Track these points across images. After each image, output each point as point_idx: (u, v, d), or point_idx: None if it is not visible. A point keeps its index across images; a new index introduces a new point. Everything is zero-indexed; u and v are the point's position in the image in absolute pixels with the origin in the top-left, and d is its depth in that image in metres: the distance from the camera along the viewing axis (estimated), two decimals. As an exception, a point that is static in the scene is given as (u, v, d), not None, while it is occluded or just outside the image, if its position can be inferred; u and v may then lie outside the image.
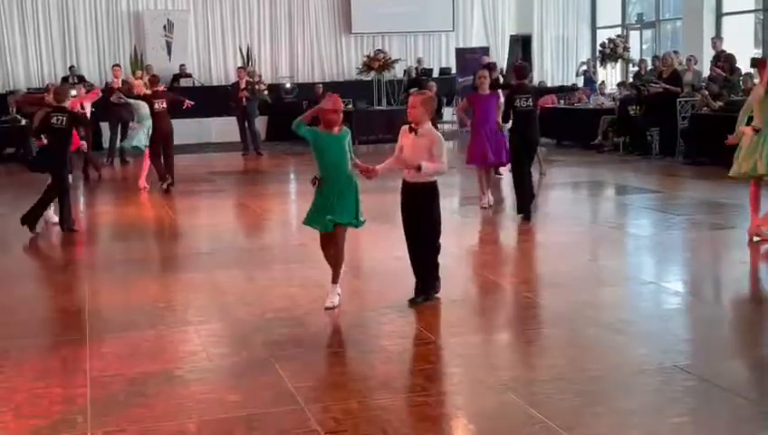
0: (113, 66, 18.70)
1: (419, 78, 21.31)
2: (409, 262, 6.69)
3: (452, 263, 8.26)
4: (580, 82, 21.28)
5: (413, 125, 6.38)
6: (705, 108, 15.00)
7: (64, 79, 20.48)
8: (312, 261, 7.40)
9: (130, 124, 14.32)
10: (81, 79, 20.32)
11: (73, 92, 12.09)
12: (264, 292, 7.07)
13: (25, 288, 7.66)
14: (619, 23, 23.29)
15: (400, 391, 4.94)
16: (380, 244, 8.59)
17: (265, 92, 20.61)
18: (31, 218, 9.87)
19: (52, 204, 10.20)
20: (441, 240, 6.62)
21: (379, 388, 5.01)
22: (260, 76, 21.23)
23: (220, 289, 7.31)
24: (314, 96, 21.16)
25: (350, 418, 4.54)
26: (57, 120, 9.74)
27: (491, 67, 12.53)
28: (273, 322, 6.29)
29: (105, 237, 10.53)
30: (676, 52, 17.82)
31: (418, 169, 6.26)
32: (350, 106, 19.74)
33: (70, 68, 21.11)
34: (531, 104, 10.09)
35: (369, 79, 22.19)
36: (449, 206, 11.73)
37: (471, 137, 11.33)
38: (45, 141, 10.13)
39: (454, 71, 23.45)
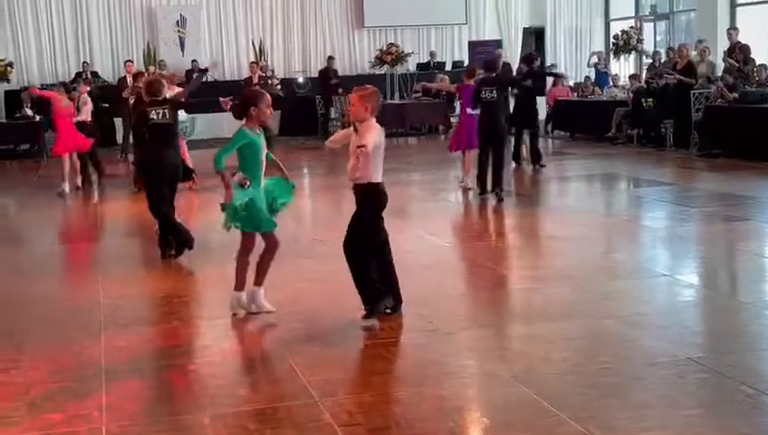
0: (126, 62, 18.73)
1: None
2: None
3: (464, 255, 8.24)
4: (592, 75, 21.16)
5: (355, 123, 5.94)
6: (720, 99, 14.90)
7: (78, 75, 20.54)
8: (323, 256, 7.41)
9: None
10: (95, 75, 20.37)
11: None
12: (275, 287, 7.06)
13: (40, 283, 7.69)
14: (633, 14, 23.16)
15: (413, 385, 4.94)
16: (393, 238, 8.56)
17: (278, 87, 20.60)
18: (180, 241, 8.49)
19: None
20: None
21: (392, 381, 5.02)
22: (272, 71, 21.23)
23: (231, 284, 7.31)
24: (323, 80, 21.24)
25: (363, 411, 4.54)
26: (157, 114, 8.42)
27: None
28: (284, 316, 6.30)
29: (118, 233, 10.56)
30: (699, 41, 17.65)
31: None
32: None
33: (83, 64, 21.17)
34: (495, 95, 11.03)
35: (382, 73, 22.14)
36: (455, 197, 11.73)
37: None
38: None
39: (466, 64, 23.37)
